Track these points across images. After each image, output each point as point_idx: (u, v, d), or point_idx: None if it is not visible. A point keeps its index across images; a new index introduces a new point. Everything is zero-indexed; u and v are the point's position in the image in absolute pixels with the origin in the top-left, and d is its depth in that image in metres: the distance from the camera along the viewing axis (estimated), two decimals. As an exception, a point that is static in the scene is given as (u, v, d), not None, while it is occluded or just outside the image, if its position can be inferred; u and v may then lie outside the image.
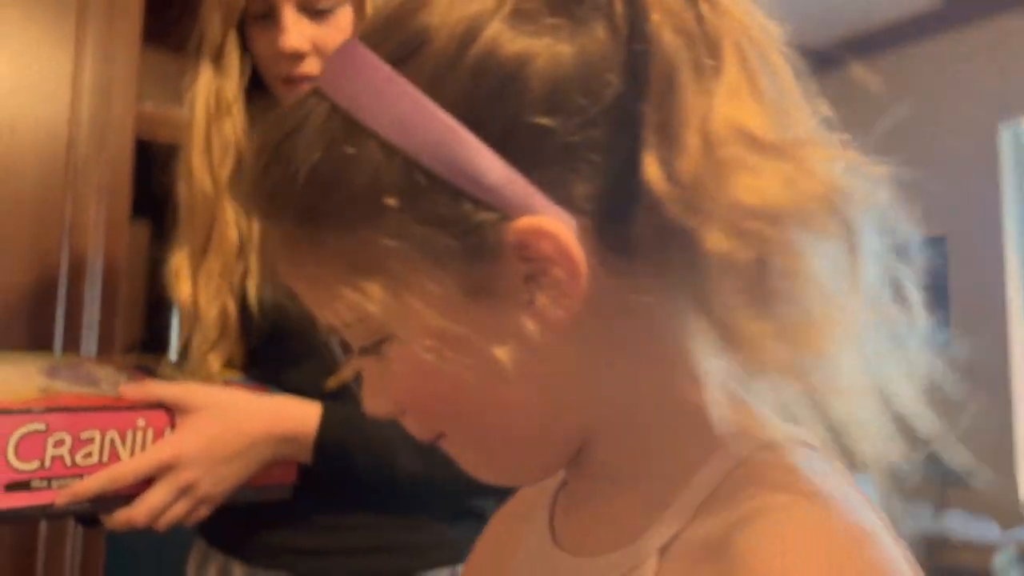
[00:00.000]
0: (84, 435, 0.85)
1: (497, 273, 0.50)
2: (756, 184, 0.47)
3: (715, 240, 0.47)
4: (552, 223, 0.49)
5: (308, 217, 0.52)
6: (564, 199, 0.50)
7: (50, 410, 0.84)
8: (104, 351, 1.60)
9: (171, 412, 0.91)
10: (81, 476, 0.85)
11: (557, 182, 0.50)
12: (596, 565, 0.54)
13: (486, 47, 0.49)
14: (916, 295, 0.52)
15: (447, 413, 0.55)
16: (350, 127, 0.50)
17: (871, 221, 0.50)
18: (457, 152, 0.48)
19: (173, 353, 1.22)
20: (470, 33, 0.49)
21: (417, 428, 0.57)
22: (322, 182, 0.50)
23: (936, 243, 3.58)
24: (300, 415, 0.94)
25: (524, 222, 0.49)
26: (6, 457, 0.82)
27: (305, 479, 1.00)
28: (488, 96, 0.49)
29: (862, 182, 0.50)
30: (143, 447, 0.88)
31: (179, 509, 0.89)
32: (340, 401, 0.95)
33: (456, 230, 0.49)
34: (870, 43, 3.84)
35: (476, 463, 0.57)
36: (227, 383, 1.02)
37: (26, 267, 1.59)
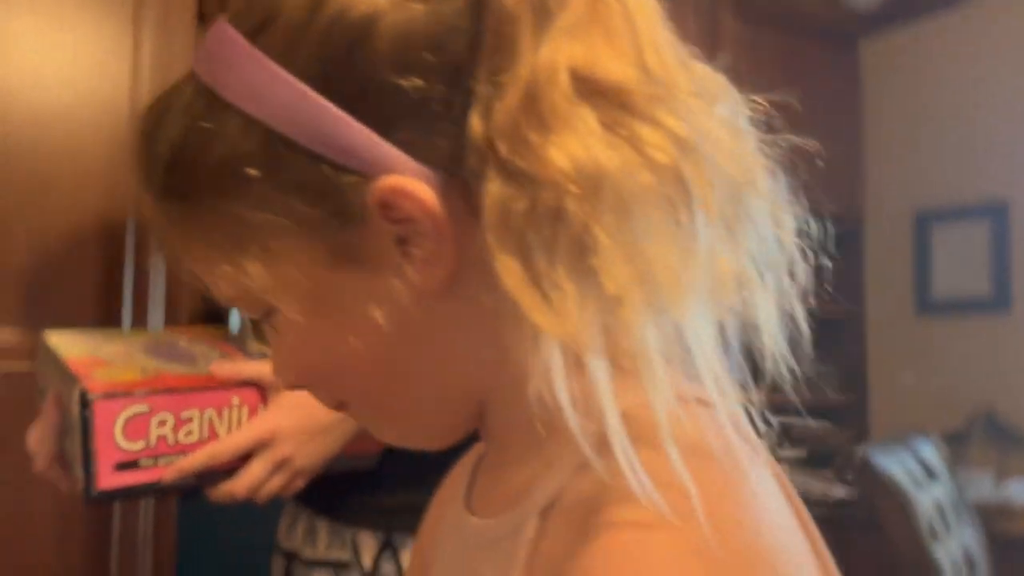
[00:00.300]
0: (184, 415, 0.91)
1: (366, 237, 0.50)
2: (575, 143, 0.45)
3: (493, 192, 0.46)
4: (411, 182, 0.48)
5: (178, 195, 0.52)
6: (427, 158, 0.49)
7: (153, 392, 0.90)
8: (170, 324, 1.66)
9: (263, 389, 0.94)
10: (184, 453, 0.91)
11: (418, 141, 0.49)
12: (488, 526, 0.55)
13: (335, 10, 0.49)
14: (801, 272, 0.51)
15: (343, 382, 0.55)
16: (211, 103, 0.51)
17: (752, 193, 0.49)
18: (312, 117, 0.48)
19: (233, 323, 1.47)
20: None
21: (320, 396, 0.58)
22: (185, 159, 0.51)
23: (998, 211, 3.44)
24: None
25: (383, 182, 0.48)
26: (114, 438, 0.87)
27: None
28: (339, 59, 0.48)
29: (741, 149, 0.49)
30: (239, 424, 0.93)
31: (276, 482, 0.93)
32: None
33: (319, 196, 0.49)
34: (931, 3, 3.61)
35: (380, 429, 0.58)
36: None
37: (95, 243, 1.59)
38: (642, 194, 0.45)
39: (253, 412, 0.94)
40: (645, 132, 0.46)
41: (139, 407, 0.88)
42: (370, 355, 0.52)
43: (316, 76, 0.49)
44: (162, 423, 0.89)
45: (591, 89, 0.46)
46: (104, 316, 1.60)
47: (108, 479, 0.87)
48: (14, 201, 1.54)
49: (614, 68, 0.47)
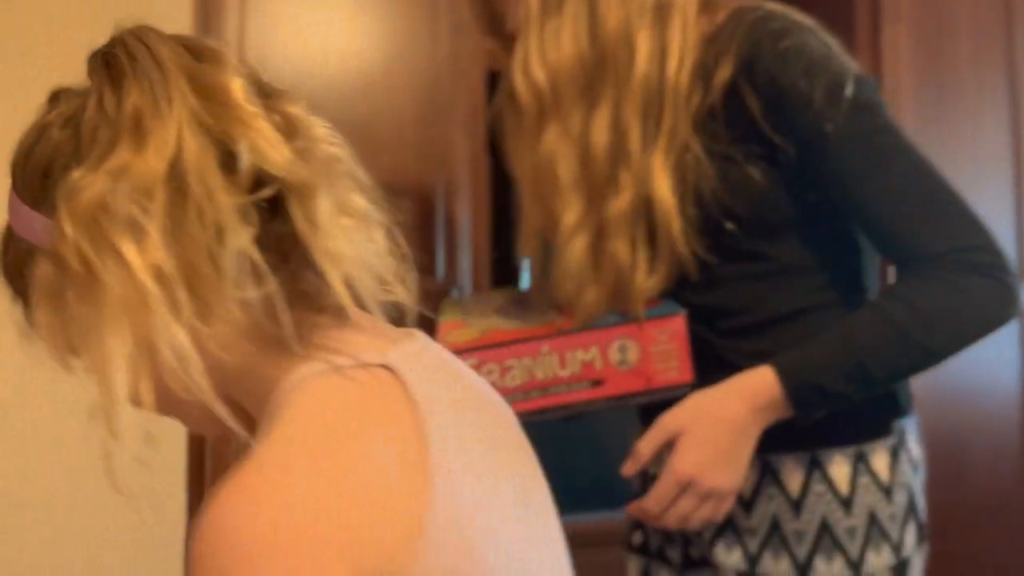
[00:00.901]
0: (506, 364, 1.07)
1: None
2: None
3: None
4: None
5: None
6: None
7: (481, 347, 1.07)
8: (477, 272, 1.82)
9: (566, 335, 1.06)
10: (510, 394, 1.04)
11: None
12: None
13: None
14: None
15: None
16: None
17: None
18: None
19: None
20: None
21: None
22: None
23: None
24: (761, 382, 0.98)
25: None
26: None
27: None
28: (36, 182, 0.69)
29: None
30: (550, 366, 1.06)
31: (707, 510, 0.99)
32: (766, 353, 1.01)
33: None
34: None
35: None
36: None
37: (411, 200, 1.75)
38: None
39: (562, 357, 1.07)
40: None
41: (471, 361, 1.06)
42: None
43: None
44: (490, 372, 1.07)
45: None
46: (420, 263, 1.75)
47: None
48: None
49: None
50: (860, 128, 0.98)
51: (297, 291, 0.67)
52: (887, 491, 1.03)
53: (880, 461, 1.03)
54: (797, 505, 1.03)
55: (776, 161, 1.00)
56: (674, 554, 1.15)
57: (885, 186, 0.98)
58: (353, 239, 0.68)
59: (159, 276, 0.61)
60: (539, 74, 1.02)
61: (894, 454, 1.04)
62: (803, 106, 0.97)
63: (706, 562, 1.11)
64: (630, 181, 1.02)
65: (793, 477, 1.03)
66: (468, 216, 1.80)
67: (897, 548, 1.03)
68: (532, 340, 1.07)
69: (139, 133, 0.64)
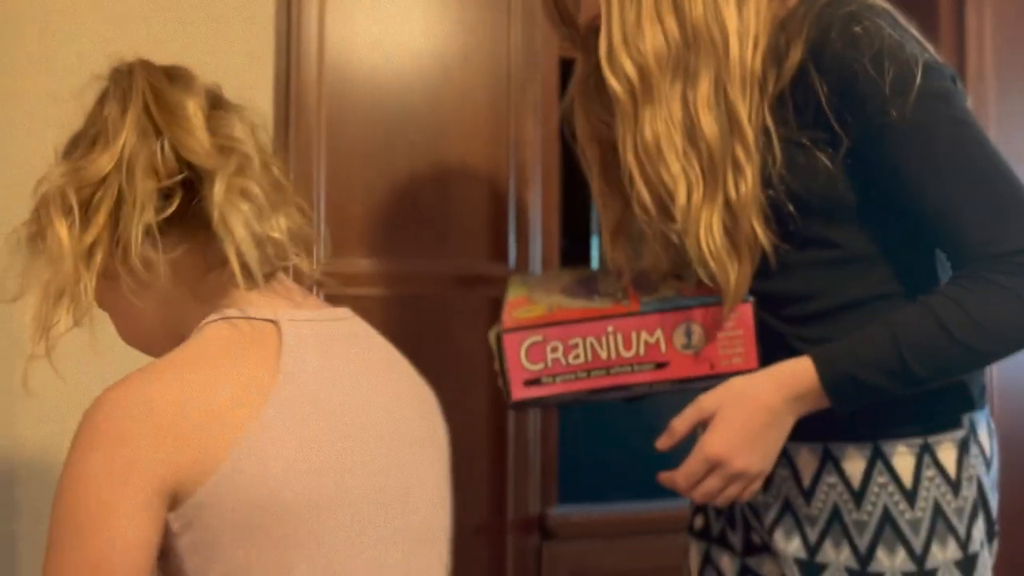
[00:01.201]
0: (571, 342, 1.08)
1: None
2: None
3: None
4: None
5: None
6: None
7: (546, 325, 1.08)
8: (547, 258, 1.84)
9: (632, 317, 1.06)
10: (573, 373, 1.08)
11: None
12: None
13: None
14: None
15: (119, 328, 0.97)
16: None
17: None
18: None
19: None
20: None
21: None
22: None
23: None
24: (799, 372, 0.99)
25: None
26: (520, 362, 1.08)
27: None
28: None
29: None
30: (614, 347, 1.07)
31: (733, 491, 1.01)
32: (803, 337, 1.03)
33: None
34: None
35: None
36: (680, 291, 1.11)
37: (482, 185, 1.78)
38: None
39: (627, 337, 1.08)
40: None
41: (535, 338, 1.08)
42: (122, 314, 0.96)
43: None
44: (554, 349, 1.08)
45: None
46: (492, 248, 1.79)
47: (519, 392, 1.09)
48: (421, 143, 1.76)
49: None
50: (928, 118, 0.96)
51: (213, 257, 0.89)
52: (954, 485, 1.02)
53: (947, 454, 1.02)
54: (858, 495, 1.03)
55: (842, 148, 0.99)
56: (735, 539, 1.16)
57: (948, 180, 0.96)
58: (247, 218, 0.89)
59: (82, 253, 0.87)
60: (627, 63, 1.03)
61: (963, 447, 1.03)
62: (870, 92, 0.96)
63: (767, 548, 1.11)
64: (747, 158, 1.01)
65: (854, 467, 1.03)
66: (539, 203, 1.82)
67: (964, 543, 1.02)
68: (597, 320, 1.08)
69: (103, 137, 0.90)
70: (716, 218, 1.02)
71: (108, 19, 1.58)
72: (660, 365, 1.07)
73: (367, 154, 1.74)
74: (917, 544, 1.01)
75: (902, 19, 1.02)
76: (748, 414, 1.00)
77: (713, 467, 1.01)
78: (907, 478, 1.02)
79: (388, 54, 1.75)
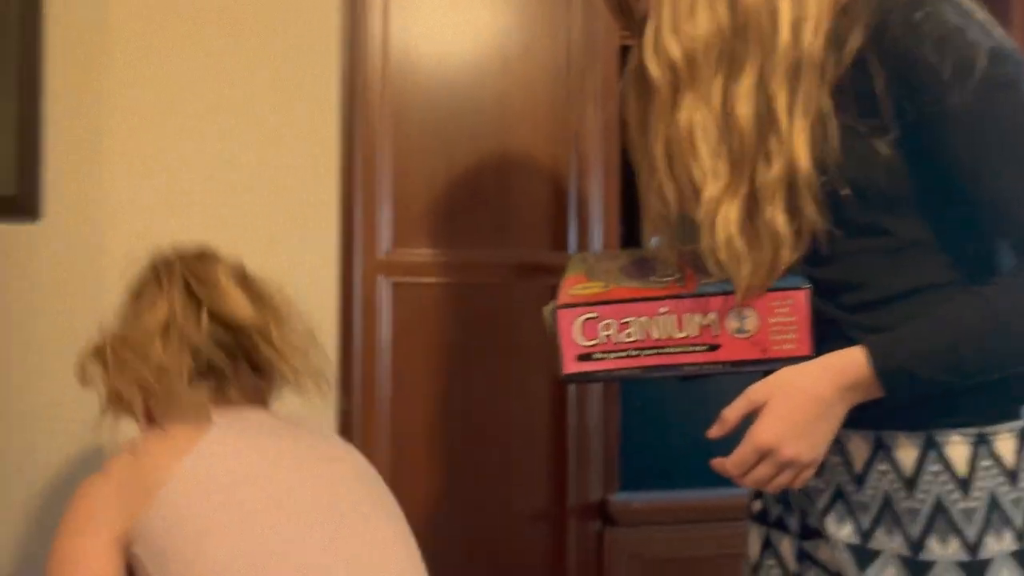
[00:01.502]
0: (624, 320, 1.10)
1: None
2: None
3: None
4: None
5: None
6: None
7: (601, 303, 1.11)
8: (607, 242, 1.85)
9: (686, 299, 1.08)
10: (625, 351, 1.10)
11: None
12: None
13: None
14: None
15: None
16: None
17: None
18: None
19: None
20: None
21: None
22: None
23: None
24: (852, 362, 0.99)
25: None
26: (573, 337, 1.11)
27: None
28: None
29: None
30: (667, 327, 1.09)
31: (784, 479, 1.02)
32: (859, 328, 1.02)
33: None
34: None
35: None
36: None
37: (543, 173, 1.79)
38: None
39: (680, 319, 1.10)
40: None
41: (590, 314, 1.11)
42: None
43: None
44: (608, 326, 1.11)
45: None
46: (553, 237, 1.81)
47: (571, 366, 1.12)
48: (482, 133, 1.79)
49: None
50: (988, 105, 0.95)
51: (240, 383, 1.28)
52: (1012, 475, 1.00)
53: (1005, 445, 1.01)
54: (911, 483, 1.02)
55: (900, 135, 0.98)
56: (793, 522, 1.16)
57: (1005, 169, 0.95)
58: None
59: (129, 392, 1.21)
60: (673, 48, 1.03)
61: (1022, 438, 1.01)
62: (929, 79, 0.95)
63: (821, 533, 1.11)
64: (780, 149, 1.01)
65: (907, 455, 1.02)
66: (599, 192, 1.83)
67: (1021, 534, 1.00)
68: (652, 300, 1.10)
69: (143, 303, 1.26)
70: (736, 209, 1.02)
71: (184, 13, 1.64)
72: (712, 347, 1.08)
73: (430, 145, 1.77)
74: (971, 534, 1.00)
75: (969, 3, 1.01)
76: (798, 404, 1.00)
77: (763, 455, 1.01)
78: (961, 467, 1.01)
79: (450, 44, 1.78)
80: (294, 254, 1.70)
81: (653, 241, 1.24)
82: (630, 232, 1.89)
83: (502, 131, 1.79)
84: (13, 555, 1.56)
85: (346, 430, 1.74)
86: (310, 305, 1.67)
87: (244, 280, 1.29)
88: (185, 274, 1.25)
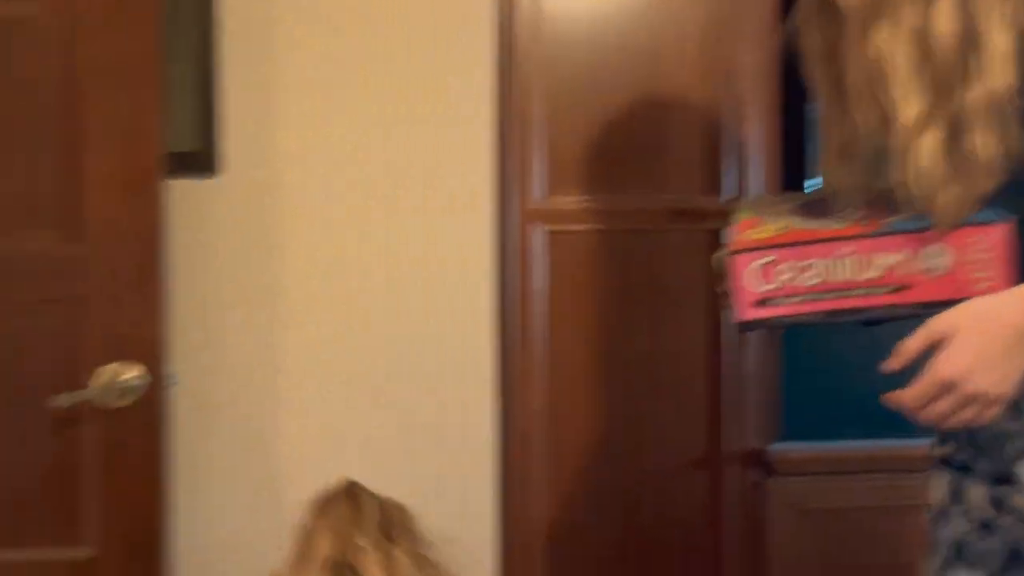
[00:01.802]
0: (805, 263, 1.07)
1: None
2: None
3: None
4: None
5: None
6: None
7: (780, 246, 1.07)
8: (768, 190, 1.80)
9: (873, 238, 1.04)
10: (804, 294, 1.07)
11: None
12: None
13: None
14: None
15: None
16: None
17: None
18: None
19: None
20: None
21: None
22: None
23: None
24: None
25: None
26: (751, 282, 1.07)
27: None
28: None
29: None
30: (852, 268, 1.05)
31: (968, 414, 0.97)
32: None
33: None
34: None
35: None
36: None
37: (696, 116, 1.77)
38: None
39: (864, 260, 1.05)
40: None
41: (768, 258, 1.08)
42: None
43: None
44: (787, 269, 1.08)
45: None
46: (706, 181, 1.79)
47: (748, 312, 1.09)
48: (634, 77, 1.77)
49: None
50: None
51: None
52: None
53: None
54: None
55: None
56: (984, 466, 1.11)
57: None
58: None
59: None
60: None
61: None
62: None
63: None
64: (984, 67, 0.95)
65: None
66: (759, 134, 1.78)
67: None
68: (834, 240, 1.06)
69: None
70: (936, 135, 0.97)
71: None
72: (899, 288, 1.03)
73: (583, 91, 1.76)
74: None
75: None
76: (989, 334, 0.95)
77: (946, 389, 0.96)
78: None
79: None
80: (449, 202, 1.73)
81: (830, 177, 1.19)
82: (791, 176, 1.83)
83: (654, 74, 1.76)
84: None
85: (504, 379, 1.79)
86: (465, 254, 1.76)
87: None
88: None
